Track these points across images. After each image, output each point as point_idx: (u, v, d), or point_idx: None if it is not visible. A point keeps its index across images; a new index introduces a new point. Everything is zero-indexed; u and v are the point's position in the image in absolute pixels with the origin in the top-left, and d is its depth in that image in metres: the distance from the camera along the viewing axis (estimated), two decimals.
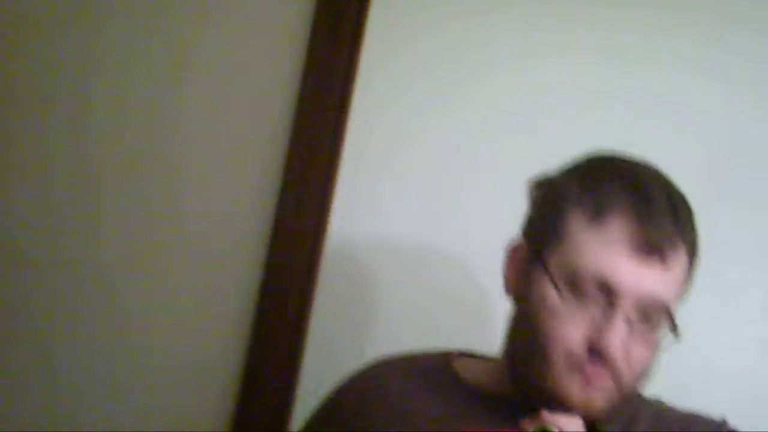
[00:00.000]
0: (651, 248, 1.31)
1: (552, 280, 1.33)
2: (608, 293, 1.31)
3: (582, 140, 1.45)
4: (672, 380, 1.46)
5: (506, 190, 1.67)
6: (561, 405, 1.31)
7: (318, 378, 1.51)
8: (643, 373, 1.36)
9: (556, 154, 1.41)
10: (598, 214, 1.33)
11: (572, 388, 1.32)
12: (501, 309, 1.43)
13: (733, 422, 1.41)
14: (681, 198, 1.37)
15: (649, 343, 1.34)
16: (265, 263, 1.43)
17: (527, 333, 1.35)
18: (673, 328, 1.34)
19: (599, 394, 1.32)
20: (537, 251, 1.36)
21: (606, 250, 1.32)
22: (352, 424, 1.44)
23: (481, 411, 1.39)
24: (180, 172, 1.57)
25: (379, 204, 1.76)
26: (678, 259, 1.33)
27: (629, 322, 1.31)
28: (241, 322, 1.44)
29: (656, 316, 1.33)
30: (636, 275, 1.31)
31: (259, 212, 1.46)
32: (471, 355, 1.51)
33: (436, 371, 1.46)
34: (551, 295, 1.33)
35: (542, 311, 1.33)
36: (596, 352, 1.31)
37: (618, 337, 1.30)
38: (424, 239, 1.76)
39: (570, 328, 1.32)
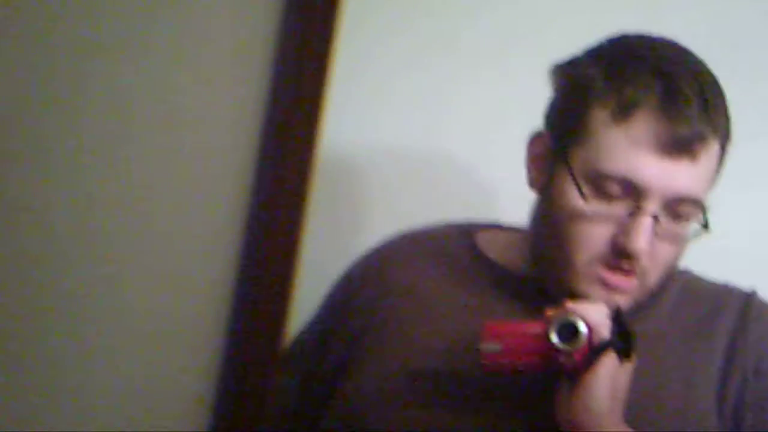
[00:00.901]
0: (679, 144, 1.27)
1: (576, 183, 1.29)
2: (634, 193, 1.27)
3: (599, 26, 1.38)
4: (690, 263, 1.42)
5: (509, 87, 1.64)
6: None
7: (313, 290, 1.48)
8: (670, 269, 1.34)
9: (563, 48, 1.35)
10: (623, 110, 1.28)
11: (596, 294, 1.30)
12: (505, 212, 1.41)
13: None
14: (711, 82, 1.31)
15: (676, 240, 1.31)
16: (256, 176, 1.38)
17: (551, 233, 1.33)
18: (704, 221, 1.31)
19: (623, 298, 1.31)
20: (560, 148, 1.32)
21: (631, 149, 1.27)
22: (367, 315, 1.41)
23: (505, 294, 1.37)
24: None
25: (373, 108, 1.70)
26: (708, 152, 1.29)
27: (656, 221, 1.28)
28: (233, 236, 1.39)
29: (685, 211, 1.30)
30: (663, 173, 1.27)
31: (247, 127, 1.41)
32: (495, 227, 1.46)
33: (456, 251, 1.43)
34: (575, 196, 1.29)
35: (565, 212, 1.30)
36: (622, 252, 1.28)
37: (645, 239, 1.27)
38: (422, 143, 1.72)
39: (594, 231, 1.29)
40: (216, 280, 1.36)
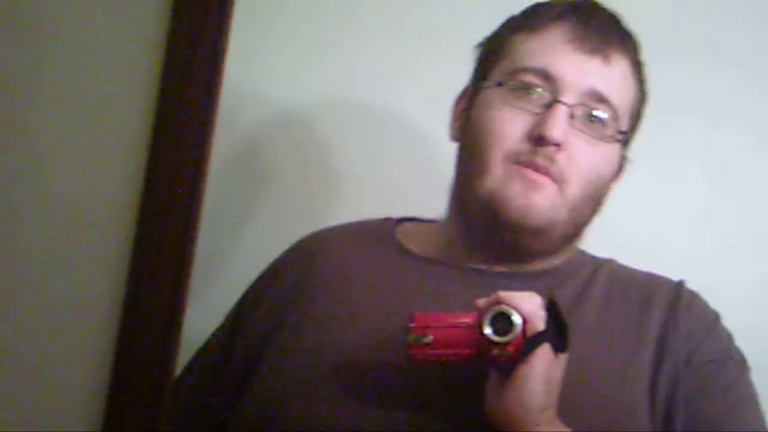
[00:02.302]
0: (592, 44, 1.32)
1: (493, 79, 1.34)
2: (550, 84, 1.30)
3: None
4: (616, 250, 1.41)
5: (429, 34, 1.64)
6: (501, 214, 1.29)
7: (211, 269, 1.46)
8: (589, 182, 1.32)
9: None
10: (539, 25, 1.34)
11: (513, 191, 1.29)
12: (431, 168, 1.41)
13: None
14: (625, 24, 1.37)
15: (593, 142, 1.32)
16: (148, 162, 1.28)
17: (468, 148, 1.34)
18: (619, 131, 1.33)
19: (541, 197, 1.29)
20: (480, 75, 1.37)
21: (547, 48, 1.32)
22: (282, 309, 1.36)
23: (428, 282, 1.34)
24: None
25: (278, 62, 1.65)
26: (620, 61, 1.33)
27: (572, 116, 1.30)
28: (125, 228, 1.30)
29: (600, 113, 1.32)
30: (577, 67, 1.31)
31: (142, 94, 1.32)
32: (411, 219, 1.45)
33: (380, 240, 1.41)
34: (492, 100, 1.32)
35: (483, 117, 1.33)
36: (537, 141, 1.29)
37: (559, 126, 1.29)
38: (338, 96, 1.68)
39: (511, 125, 1.31)
40: (107, 276, 1.27)
